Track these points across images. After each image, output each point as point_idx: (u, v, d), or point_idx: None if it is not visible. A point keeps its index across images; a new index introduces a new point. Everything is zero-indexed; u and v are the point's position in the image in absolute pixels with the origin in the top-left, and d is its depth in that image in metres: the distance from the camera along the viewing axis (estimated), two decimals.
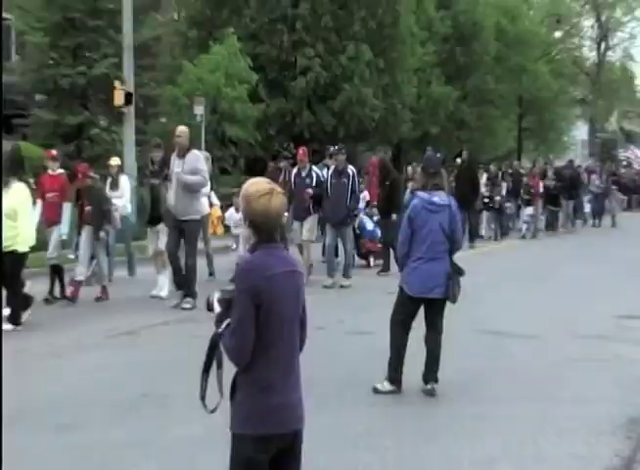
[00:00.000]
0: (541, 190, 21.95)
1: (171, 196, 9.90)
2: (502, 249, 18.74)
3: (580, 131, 47.28)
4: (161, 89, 22.17)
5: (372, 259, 14.41)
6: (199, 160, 9.97)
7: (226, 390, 3.12)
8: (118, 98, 17.21)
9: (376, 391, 6.48)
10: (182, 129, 10.13)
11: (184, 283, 9.86)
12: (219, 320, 3.11)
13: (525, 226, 21.24)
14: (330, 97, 23.89)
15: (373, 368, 6.98)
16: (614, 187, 27.75)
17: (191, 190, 9.82)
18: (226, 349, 3.07)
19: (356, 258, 14.28)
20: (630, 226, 24.64)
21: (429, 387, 6.50)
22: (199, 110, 19.60)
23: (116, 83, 17.38)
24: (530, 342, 8.56)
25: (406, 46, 25.63)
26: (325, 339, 8.48)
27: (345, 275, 12.18)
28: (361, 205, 14.78)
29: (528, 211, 21.14)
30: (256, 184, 3.16)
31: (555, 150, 40.62)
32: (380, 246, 14.11)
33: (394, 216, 13.25)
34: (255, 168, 18.68)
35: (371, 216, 14.84)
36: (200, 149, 19.83)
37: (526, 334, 8.88)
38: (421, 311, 6.64)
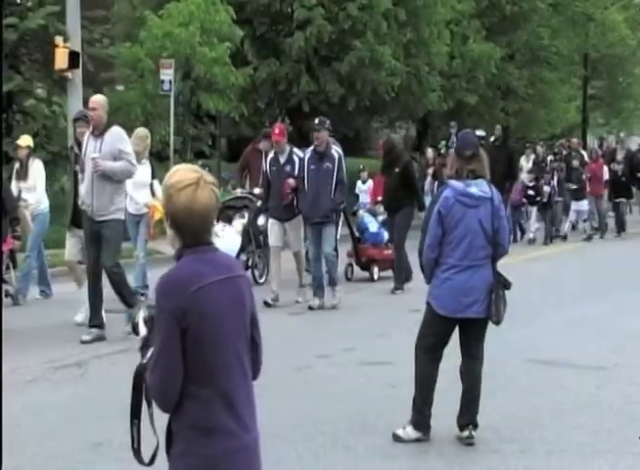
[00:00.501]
0: (606, 177, 22.08)
1: (83, 189, 9.65)
2: (554, 253, 18.94)
3: None
4: (117, 48, 22.30)
5: (376, 270, 14.34)
6: (122, 139, 9.68)
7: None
8: (61, 59, 17.34)
9: (397, 438, 6.57)
10: (96, 99, 9.70)
11: (98, 309, 9.68)
12: (144, 345, 3.16)
13: (566, 225, 21.49)
14: (336, 58, 24.01)
15: (393, 409, 7.09)
16: None
17: (111, 181, 9.55)
18: (148, 386, 3.11)
19: (355, 268, 14.36)
20: None
21: (465, 434, 6.58)
22: (167, 75, 19.74)
23: (58, 40, 17.51)
24: (598, 374, 8.67)
25: None
26: (329, 371, 8.61)
27: (332, 283, 12.01)
28: (364, 199, 14.90)
29: (578, 205, 21.36)
30: (179, 173, 3.20)
31: (632, 125, 40.69)
32: (387, 252, 14.10)
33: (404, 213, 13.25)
34: (240, 151, 18.82)
35: (375, 215, 14.72)
36: (169, 125, 20.23)
37: (592, 364, 8.99)
38: (455, 336, 6.73)
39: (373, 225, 14.50)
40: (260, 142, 14.17)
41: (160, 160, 16.90)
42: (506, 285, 6.66)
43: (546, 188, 20.59)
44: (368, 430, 6.80)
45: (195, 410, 3.10)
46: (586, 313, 11.68)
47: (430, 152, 22.57)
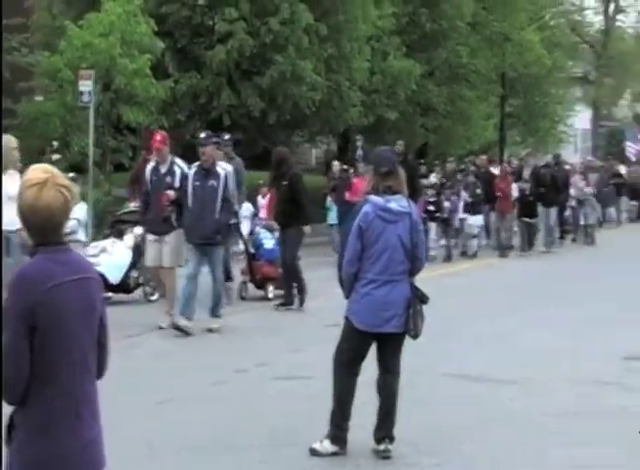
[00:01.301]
0: (514, 194, 22.09)
1: None
2: (467, 269, 19.19)
3: (581, 119, 48.27)
4: (36, 57, 22.00)
5: (271, 289, 13.84)
6: None
7: None
8: None
9: (314, 452, 6.61)
10: None
11: None
12: None
13: (476, 242, 21.38)
14: (257, 72, 24.04)
15: (310, 423, 7.12)
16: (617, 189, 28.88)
17: None
18: None
19: (249, 286, 13.95)
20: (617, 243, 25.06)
21: (382, 447, 6.65)
22: (86, 86, 19.53)
23: None
24: (513, 389, 8.84)
25: (356, 7, 25.95)
26: (247, 385, 8.63)
27: (214, 314, 11.42)
28: (263, 214, 14.48)
29: (473, 220, 21.33)
30: (31, 172, 3.33)
31: (547, 142, 41.42)
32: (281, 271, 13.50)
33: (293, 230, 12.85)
34: None
35: (271, 231, 14.20)
36: (88, 137, 19.98)
37: (508, 378, 9.17)
38: (372, 350, 6.80)
39: (268, 242, 14.03)
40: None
41: (79, 171, 16.70)
42: (423, 299, 6.76)
43: (446, 204, 20.61)
44: (285, 444, 6.82)
45: (37, 407, 3.18)
46: (499, 328, 11.89)
47: (335, 165, 22.35)
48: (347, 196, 19.65)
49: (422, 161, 25.70)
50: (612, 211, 30.98)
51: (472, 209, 21.34)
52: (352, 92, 25.83)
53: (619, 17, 47.72)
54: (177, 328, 10.88)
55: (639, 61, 46.74)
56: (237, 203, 13.99)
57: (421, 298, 6.74)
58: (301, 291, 13.09)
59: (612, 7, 46.89)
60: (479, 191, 21.39)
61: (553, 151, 41.98)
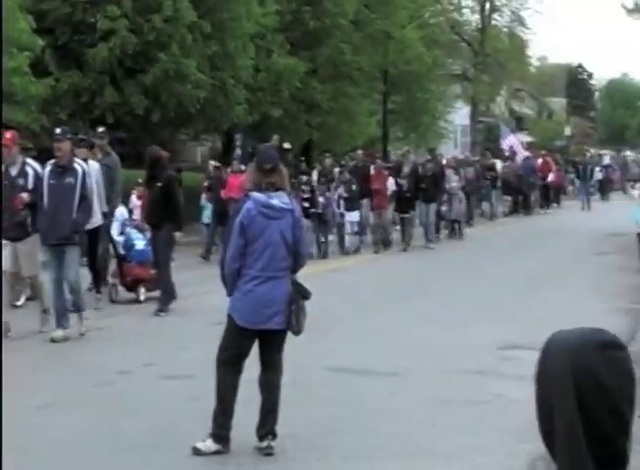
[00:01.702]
0: (390, 190, 21.92)
1: None
2: (351, 265, 19.34)
3: (460, 115, 49.24)
4: None
5: (142, 291, 13.31)
6: None
7: None
8: None
9: (196, 452, 6.60)
10: None
11: None
12: None
13: (351, 238, 21.36)
14: (141, 70, 23.77)
15: (193, 423, 7.12)
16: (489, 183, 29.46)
17: None
18: None
19: (120, 289, 13.48)
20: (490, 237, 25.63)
21: (264, 444, 6.68)
22: None
23: None
24: (393, 380, 8.99)
25: (240, 5, 25.91)
26: (130, 386, 8.56)
27: (77, 316, 10.91)
28: (122, 216, 14.04)
29: (350, 216, 21.35)
30: None
31: (429, 137, 42.11)
32: (155, 272, 13.07)
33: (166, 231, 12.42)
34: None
35: (142, 231, 13.78)
36: None
37: (389, 371, 9.33)
38: (255, 348, 6.83)
39: (140, 243, 13.56)
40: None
41: None
42: (305, 295, 6.81)
43: (321, 199, 20.60)
44: (168, 444, 6.80)
45: None
46: (381, 322, 12.07)
47: (211, 165, 22.20)
48: (223, 194, 19.57)
49: (302, 158, 25.76)
50: (486, 205, 31.49)
51: (348, 205, 21.36)
52: (237, 90, 25.76)
53: (495, 16, 48.76)
54: (53, 341, 10.49)
55: (514, 59, 47.84)
56: (113, 201, 13.73)
57: (303, 294, 6.79)
58: (168, 294, 12.63)
59: (487, 6, 47.91)
60: (354, 187, 21.40)
61: (434, 146, 43.02)
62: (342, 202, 21.46)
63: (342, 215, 21.43)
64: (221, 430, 6.65)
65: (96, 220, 12.39)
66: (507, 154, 38.54)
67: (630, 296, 14.74)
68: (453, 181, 25.30)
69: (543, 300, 14.09)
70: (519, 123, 68.63)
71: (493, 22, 48.65)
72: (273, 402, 6.78)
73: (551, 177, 36.29)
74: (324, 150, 31.87)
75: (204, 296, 12.88)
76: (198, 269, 16.77)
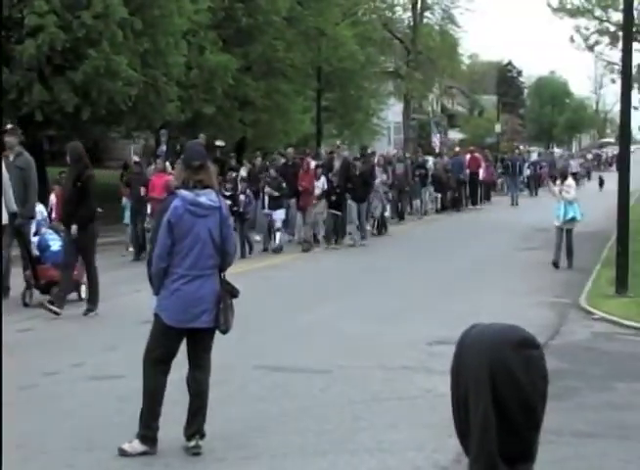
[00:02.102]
0: (317, 188, 21.50)
1: None
2: (288, 261, 19.25)
3: (394, 112, 49.53)
4: None
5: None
6: None
7: None
8: None
9: (123, 453, 6.53)
10: None
11: None
12: None
13: (278, 235, 20.77)
14: (70, 67, 23.43)
15: (121, 424, 7.04)
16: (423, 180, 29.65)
17: None
18: None
19: (35, 292, 13.02)
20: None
21: (192, 444, 6.63)
22: None
23: None
24: (323, 377, 9.00)
25: (171, 2, 25.70)
26: (56, 388, 8.45)
27: None
28: (40, 216, 13.61)
29: (275, 215, 20.84)
30: None
31: (363, 134, 42.30)
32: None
33: (75, 229, 12.04)
34: None
35: (57, 232, 13.34)
36: None
37: (319, 368, 9.34)
38: (183, 346, 6.77)
39: (55, 243, 13.09)
40: None
41: None
42: (234, 293, 6.76)
43: (241, 197, 20.40)
44: (93, 446, 6.72)
45: None
46: (315, 319, 12.10)
47: (133, 158, 21.75)
48: (143, 192, 18.91)
49: (232, 154, 25.60)
50: (417, 202, 31.51)
51: (274, 203, 21.01)
52: (169, 87, 25.57)
53: (427, 14, 49.19)
54: None
55: (445, 56, 48.30)
56: (30, 202, 13.26)
57: (231, 292, 6.74)
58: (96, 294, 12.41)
59: (419, 4, 48.26)
60: (283, 185, 21.09)
61: (368, 143, 43.21)
62: (267, 200, 21.18)
63: (267, 215, 21.10)
64: (148, 431, 6.58)
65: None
66: (437, 150, 38.94)
67: (555, 290, 15.00)
68: (377, 178, 24.84)
69: (471, 295, 14.26)
70: (451, 120, 69.37)
71: (425, 19, 49.10)
72: (201, 402, 6.72)
73: (481, 174, 36.54)
74: (258, 147, 31.85)
75: (133, 295, 12.78)
76: (125, 269, 16.64)
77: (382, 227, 25.25)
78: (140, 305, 10.40)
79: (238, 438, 7.03)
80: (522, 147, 58.13)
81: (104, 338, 10.78)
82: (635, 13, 23.30)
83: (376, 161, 25.92)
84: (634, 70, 24.63)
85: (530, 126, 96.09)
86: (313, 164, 23.13)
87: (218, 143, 31.81)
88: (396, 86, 48.04)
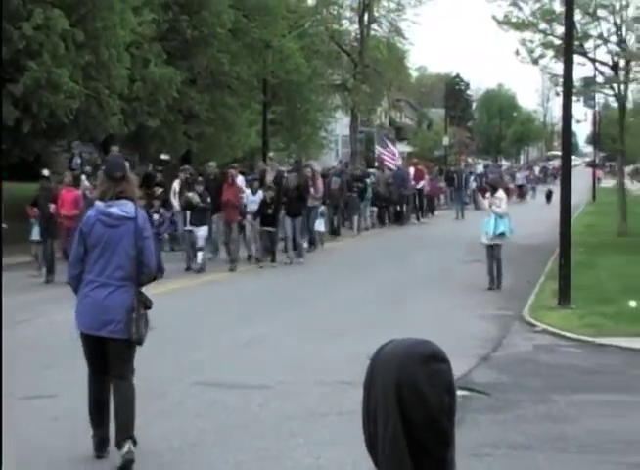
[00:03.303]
0: (254, 203, 20.57)
1: None
2: (228, 277, 18.93)
3: (341, 125, 49.77)
4: None
5: None
6: None
7: None
8: None
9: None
10: None
11: None
12: None
13: (200, 255, 19.27)
14: (10, 79, 23.20)
15: (56, 443, 6.96)
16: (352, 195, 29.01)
17: None
18: None
19: None
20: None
21: (125, 450, 6.60)
22: None
23: None
24: (262, 393, 8.99)
25: (114, 13, 25.60)
26: None
27: None
28: None
29: (197, 232, 19.48)
30: None
31: (310, 148, 42.39)
32: None
33: None
34: None
35: None
36: None
37: (259, 384, 9.32)
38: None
39: None
40: None
41: None
42: (147, 304, 6.80)
43: (155, 216, 20.00)
44: (26, 468, 6.62)
45: None
46: (255, 334, 12.08)
47: (43, 173, 20.63)
48: (52, 209, 17.59)
49: (159, 167, 25.14)
50: (356, 218, 29.93)
51: (196, 219, 19.62)
52: (112, 100, 25.41)
53: (374, 26, 49.41)
54: None
55: (392, 69, 48.46)
56: None
57: (144, 303, 6.77)
58: None
59: (366, 16, 48.49)
60: (209, 200, 19.70)
61: (316, 156, 43.33)
62: (188, 216, 19.93)
63: (190, 232, 19.78)
64: (94, 438, 6.70)
65: None
66: (376, 164, 38.88)
67: (499, 303, 15.16)
68: (313, 193, 23.87)
69: (413, 309, 14.34)
70: (399, 133, 69.81)
71: (372, 32, 49.26)
72: (127, 411, 6.69)
73: (424, 186, 36.24)
74: (203, 161, 31.74)
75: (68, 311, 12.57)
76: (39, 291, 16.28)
77: (317, 243, 24.43)
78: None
79: (173, 454, 7.01)
80: (469, 159, 58.75)
81: (40, 355, 10.63)
82: (578, 26, 23.73)
83: (309, 173, 24.37)
84: (577, 83, 25.06)
85: (479, 139, 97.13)
86: (240, 178, 22.37)
87: (163, 157, 31.74)
88: (344, 99, 48.13)
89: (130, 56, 26.86)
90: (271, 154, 24.28)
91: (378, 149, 42.11)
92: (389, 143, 43.17)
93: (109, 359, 6.70)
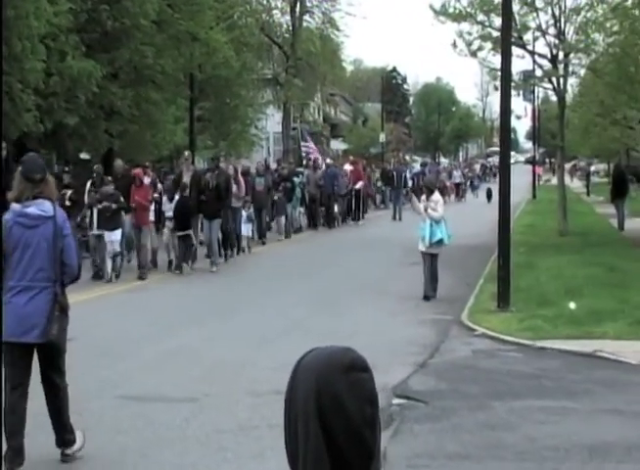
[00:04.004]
0: (166, 213, 20.29)
1: None
2: (153, 283, 18.69)
3: (273, 121, 49.67)
4: None
5: None
6: None
7: None
8: None
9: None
10: None
11: None
12: None
13: (109, 263, 18.52)
14: None
15: None
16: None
17: None
18: None
19: None
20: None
21: (67, 452, 6.95)
22: None
23: None
24: (188, 406, 8.97)
25: (27, 2, 25.27)
26: None
27: None
28: None
29: (109, 235, 18.75)
30: None
31: (240, 145, 42.27)
32: None
33: None
34: None
35: None
36: None
37: (185, 396, 9.30)
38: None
39: None
40: None
41: None
42: (63, 306, 6.83)
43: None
44: None
45: None
46: (181, 344, 12.03)
47: None
48: None
49: (66, 168, 24.64)
50: (282, 220, 29.11)
51: (106, 222, 18.79)
52: (26, 95, 25.09)
53: (306, 17, 49.48)
54: None
55: (326, 62, 48.53)
56: None
57: (61, 304, 6.81)
58: None
59: (298, 7, 48.53)
60: (122, 200, 18.98)
61: (247, 154, 43.25)
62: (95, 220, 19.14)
63: (99, 237, 18.97)
64: (9, 451, 6.66)
65: None
66: (304, 161, 38.71)
67: (437, 307, 15.31)
68: (236, 193, 23.53)
69: (348, 314, 14.41)
70: (334, 130, 70.04)
71: (305, 23, 49.35)
72: (60, 418, 6.93)
73: (359, 186, 35.64)
74: (127, 160, 31.44)
75: None
76: None
77: (243, 248, 24.04)
78: None
79: None
80: (407, 157, 59.15)
81: None
82: (516, 17, 24.07)
83: (231, 171, 24.10)
84: (516, 77, 25.43)
85: (417, 135, 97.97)
86: (147, 179, 21.79)
87: (83, 156, 31.36)
88: (275, 94, 48.23)
89: (46, 48, 26.52)
90: (186, 153, 23.28)
91: (303, 145, 42.18)
92: (309, 138, 43.24)
93: (41, 367, 6.85)
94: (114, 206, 18.72)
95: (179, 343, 12.11)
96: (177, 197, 20.54)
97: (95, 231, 19.13)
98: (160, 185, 24.20)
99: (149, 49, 31.87)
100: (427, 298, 15.99)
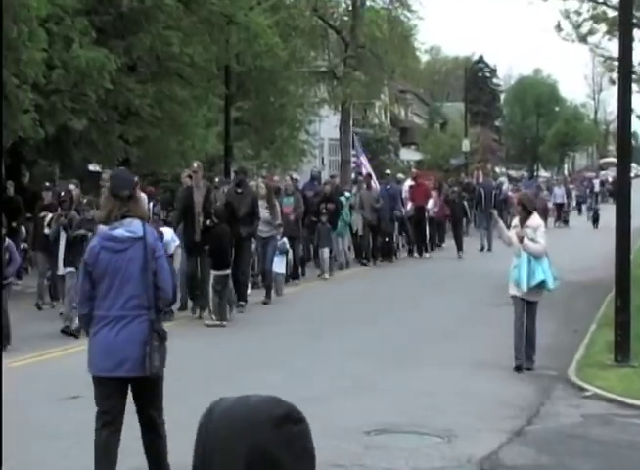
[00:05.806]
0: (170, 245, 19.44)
1: None
2: None
3: (328, 125, 49.59)
4: None
5: None
6: None
7: None
8: None
9: None
10: None
11: None
12: None
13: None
14: None
15: None
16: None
17: None
18: None
19: None
20: None
21: None
22: None
23: None
24: None
25: None
26: None
27: None
28: None
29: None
30: None
31: (287, 155, 42.33)
32: None
33: None
34: None
35: None
36: None
37: None
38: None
39: None
40: None
41: None
42: (161, 334, 7.30)
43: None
44: None
45: None
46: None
47: None
48: None
49: (47, 183, 24.94)
50: (325, 252, 27.75)
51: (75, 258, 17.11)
52: (22, 92, 25.42)
53: None
54: None
55: (395, 51, 47.57)
56: None
57: (159, 332, 7.26)
58: None
59: None
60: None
61: (296, 166, 43.13)
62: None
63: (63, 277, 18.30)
64: None
65: None
66: (354, 178, 37.96)
67: (539, 358, 15.10)
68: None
69: (426, 369, 14.41)
70: (404, 136, 69.90)
71: (368, 2, 49.27)
72: (159, 467, 7.34)
73: (431, 207, 34.64)
74: (145, 174, 31.63)
75: None
76: None
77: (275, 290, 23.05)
78: None
79: None
80: (497, 170, 58.88)
81: None
82: None
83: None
84: (637, 67, 25.15)
85: (509, 143, 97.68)
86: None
87: (92, 168, 31.60)
88: (331, 91, 48.18)
89: (47, 34, 26.86)
90: (195, 164, 22.16)
91: (357, 156, 41.79)
92: (360, 147, 42.76)
93: (137, 406, 7.32)
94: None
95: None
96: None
97: (61, 271, 18.53)
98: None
99: (174, 35, 32.09)
100: (518, 368, 14.28)
